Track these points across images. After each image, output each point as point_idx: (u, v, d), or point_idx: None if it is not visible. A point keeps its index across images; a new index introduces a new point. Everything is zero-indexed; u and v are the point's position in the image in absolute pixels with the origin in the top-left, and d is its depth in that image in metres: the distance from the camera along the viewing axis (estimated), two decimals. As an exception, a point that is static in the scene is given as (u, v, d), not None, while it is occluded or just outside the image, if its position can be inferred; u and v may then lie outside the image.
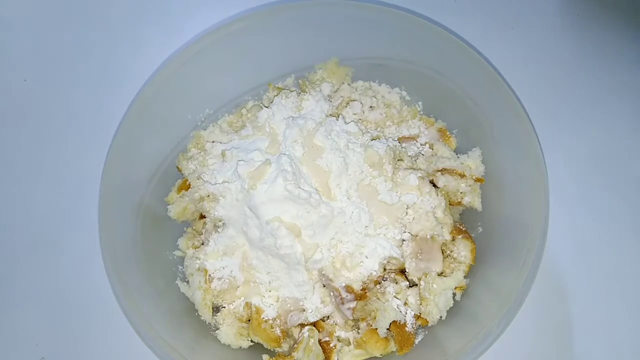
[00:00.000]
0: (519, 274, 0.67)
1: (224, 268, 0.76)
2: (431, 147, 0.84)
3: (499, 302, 0.68)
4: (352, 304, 0.73)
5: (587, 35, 0.99)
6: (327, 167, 0.74)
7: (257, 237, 0.72)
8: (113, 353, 0.83)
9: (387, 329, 0.72)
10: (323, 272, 0.73)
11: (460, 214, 0.83)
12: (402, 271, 0.76)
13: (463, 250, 0.76)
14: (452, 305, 0.75)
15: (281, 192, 0.70)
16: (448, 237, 0.77)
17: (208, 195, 0.76)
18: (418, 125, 0.86)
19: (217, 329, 0.76)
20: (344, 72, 0.88)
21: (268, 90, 0.87)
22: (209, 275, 0.76)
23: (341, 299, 0.72)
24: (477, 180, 0.79)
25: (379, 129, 0.85)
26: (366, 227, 0.74)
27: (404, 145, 0.83)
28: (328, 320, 0.76)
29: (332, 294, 0.73)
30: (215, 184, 0.76)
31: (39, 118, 0.97)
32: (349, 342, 0.75)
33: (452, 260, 0.77)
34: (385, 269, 0.75)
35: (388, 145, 0.78)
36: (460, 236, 0.77)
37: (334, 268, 0.72)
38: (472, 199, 0.78)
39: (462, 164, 0.79)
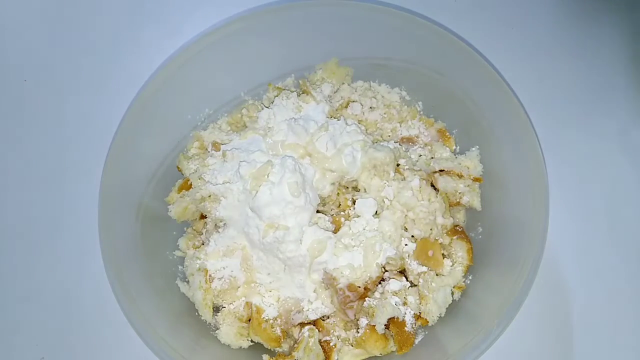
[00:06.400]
0: (519, 273, 0.68)
1: (224, 268, 0.76)
2: (430, 147, 0.84)
3: (499, 302, 0.68)
4: (355, 303, 0.73)
5: (587, 35, 0.99)
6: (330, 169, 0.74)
7: (259, 238, 0.72)
8: (113, 353, 0.83)
9: (387, 329, 0.73)
10: (327, 272, 0.73)
11: (465, 215, 0.83)
12: (402, 272, 0.77)
13: (460, 251, 0.77)
14: (450, 302, 0.75)
15: (285, 195, 0.70)
16: (447, 239, 0.77)
17: (209, 196, 0.77)
18: (418, 126, 0.86)
19: (217, 329, 0.76)
20: (344, 72, 0.88)
21: (268, 90, 0.87)
22: (210, 275, 0.76)
23: (344, 297, 0.72)
24: (476, 179, 0.79)
25: (378, 130, 0.86)
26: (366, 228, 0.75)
27: (404, 147, 0.84)
28: (328, 320, 0.76)
29: (335, 293, 0.73)
30: (217, 184, 0.76)
31: (39, 118, 0.97)
32: (349, 341, 0.75)
33: (451, 260, 0.77)
34: (385, 270, 0.75)
35: (389, 147, 0.78)
36: (455, 237, 0.77)
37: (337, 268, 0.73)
38: (471, 199, 0.79)
39: (460, 164, 0.79)
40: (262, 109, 0.82)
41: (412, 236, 0.77)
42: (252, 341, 0.78)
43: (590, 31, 0.99)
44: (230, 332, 0.76)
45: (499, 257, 0.74)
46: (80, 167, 0.93)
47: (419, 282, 0.75)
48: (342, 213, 0.78)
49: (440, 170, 0.80)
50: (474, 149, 0.80)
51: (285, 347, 0.76)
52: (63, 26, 1.04)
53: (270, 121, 0.79)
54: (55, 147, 0.95)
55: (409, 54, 0.83)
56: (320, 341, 0.74)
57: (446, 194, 0.79)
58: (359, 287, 0.73)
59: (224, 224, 0.77)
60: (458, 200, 0.79)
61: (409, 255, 0.76)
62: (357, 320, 0.74)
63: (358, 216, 0.76)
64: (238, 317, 0.77)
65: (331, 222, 0.76)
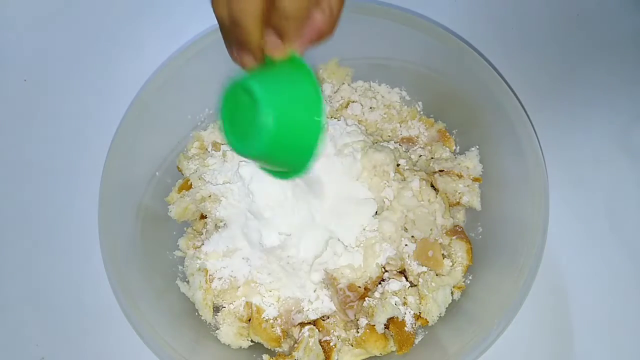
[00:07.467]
0: (519, 273, 0.67)
1: (224, 268, 0.76)
2: (430, 148, 0.84)
3: (498, 302, 0.68)
4: (355, 303, 0.73)
5: (587, 35, 0.99)
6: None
7: (258, 238, 0.72)
8: (113, 353, 0.83)
9: (387, 329, 0.73)
10: (327, 272, 0.73)
11: (465, 215, 0.83)
12: (402, 272, 0.77)
13: (459, 251, 0.77)
14: (450, 302, 0.75)
15: (286, 195, 0.70)
16: (447, 239, 0.77)
17: (209, 196, 0.77)
18: (418, 126, 0.86)
19: (217, 329, 0.76)
20: (344, 72, 0.88)
21: (268, 90, 0.87)
22: (210, 275, 0.76)
23: (344, 297, 0.73)
24: (475, 180, 0.79)
25: (378, 130, 0.86)
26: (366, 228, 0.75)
27: (404, 147, 0.84)
28: (328, 320, 0.76)
29: (335, 293, 0.74)
30: (217, 184, 0.76)
31: (39, 118, 0.97)
32: (349, 341, 0.75)
33: (451, 261, 0.77)
34: (385, 270, 0.75)
35: (389, 148, 0.78)
36: (455, 237, 0.77)
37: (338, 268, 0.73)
38: (471, 199, 0.79)
39: (460, 164, 0.79)
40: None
41: (412, 236, 0.77)
42: (252, 341, 0.77)
43: (591, 31, 0.99)
44: (230, 332, 0.76)
45: (499, 257, 0.74)
46: (80, 167, 0.93)
47: (418, 282, 0.75)
48: (342, 213, 0.78)
49: (440, 171, 0.80)
50: (473, 149, 0.80)
51: (285, 347, 0.76)
52: (63, 26, 1.04)
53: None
54: (55, 147, 0.95)
55: (409, 54, 0.83)
56: (320, 341, 0.74)
57: (446, 194, 0.79)
58: (359, 287, 0.73)
59: (224, 224, 0.77)
60: (458, 200, 0.79)
61: (409, 256, 0.76)
62: (357, 320, 0.74)
63: (358, 216, 0.76)
64: (238, 317, 0.77)
65: (331, 222, 0.76)
